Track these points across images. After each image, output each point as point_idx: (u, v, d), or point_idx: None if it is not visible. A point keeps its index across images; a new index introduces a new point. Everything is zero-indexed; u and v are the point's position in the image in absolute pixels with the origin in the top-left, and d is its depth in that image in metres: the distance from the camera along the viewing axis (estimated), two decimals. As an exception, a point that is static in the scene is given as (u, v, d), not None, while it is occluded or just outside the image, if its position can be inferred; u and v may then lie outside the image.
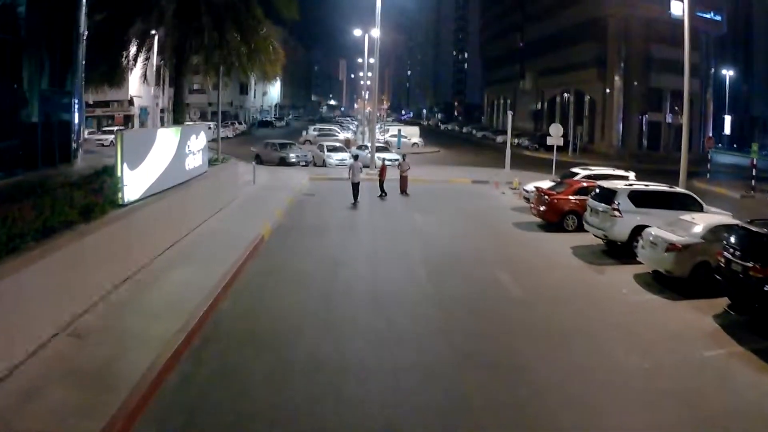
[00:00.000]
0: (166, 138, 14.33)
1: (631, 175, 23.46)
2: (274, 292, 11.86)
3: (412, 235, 18.14)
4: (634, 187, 17.15)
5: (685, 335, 10.51)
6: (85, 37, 16.39)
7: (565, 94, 76.23)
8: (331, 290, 12.17)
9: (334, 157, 36.10)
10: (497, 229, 19.87)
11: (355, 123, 74.08)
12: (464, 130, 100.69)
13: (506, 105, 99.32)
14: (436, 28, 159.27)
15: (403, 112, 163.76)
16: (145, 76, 21.99)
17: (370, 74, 74.21)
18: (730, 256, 11.35)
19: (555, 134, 31.94)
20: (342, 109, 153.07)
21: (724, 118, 67.29)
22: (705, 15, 62.19)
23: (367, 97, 78.59)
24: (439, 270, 14.15)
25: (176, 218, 14.32)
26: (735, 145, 70.01)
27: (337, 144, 41.61)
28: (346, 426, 7.03)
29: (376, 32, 40.53)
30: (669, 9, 59.08)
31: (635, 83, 63.32)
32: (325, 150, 37.11)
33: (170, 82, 20.40)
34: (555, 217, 19.58)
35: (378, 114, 57.83)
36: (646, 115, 64.53)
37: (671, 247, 12.99)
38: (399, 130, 55.21)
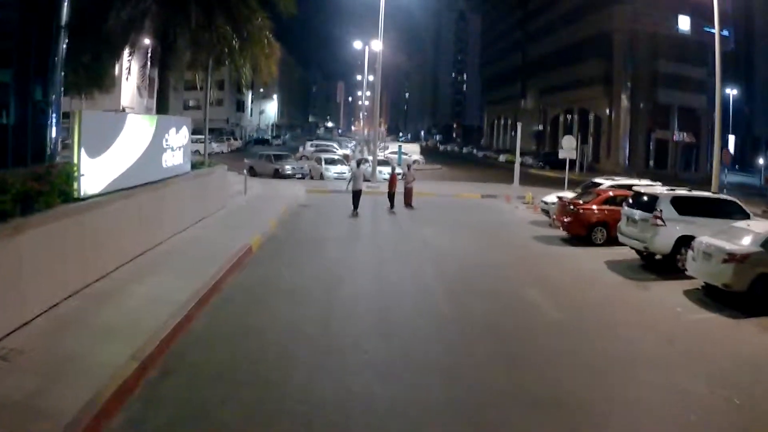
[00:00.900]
0: (138, 126, 12.14)
1: (659, 186, 21.43)
2: (260, 311, 9.64)
3: (423, 248, 15.92)
4: (677, 192, 15.14)
5: (764, 361, 8.55)
6: (65, 36, 14.18)
7: (568, 115, 74.71)
8: (330, 310, 9.90)
9: (333, 170, 34.04)
10: (517, 243, 17.72)
11: (353, 142, 72.30)
12: (464, 150, 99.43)
13: (507, 125, 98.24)
14: (435, 49, 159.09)
15: (401, 134, 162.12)
16: (138, 89, 19.79)
17: (368, 93, 72.95)
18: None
19: (568, 146, 29.91)
20: (339, 130, 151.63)
21: (728, 138, 65.78)
22: (712, 30, 60.82)
23: (364, 118, 77.24)
24: (457, 288, 11.95)
25: (148, 222, 12.12)
26: (737, 166, 68.39)
27: (336, 156, 39.52)
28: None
29: (377, 44, 38.80)
30: (676, 24, 57.81)
31: (642, 100, 61.82)
32: (323, 162, 35.03)
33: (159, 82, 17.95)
34: (582, 230, 17.54)
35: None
36: (653, 133, 62.94)
37: (729, 257, 11.13)
38: (399, 146, 53.44)
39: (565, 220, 18.00)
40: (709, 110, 64.59)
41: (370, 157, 36.77)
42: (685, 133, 63.63)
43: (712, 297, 11.70)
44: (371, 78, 65.44)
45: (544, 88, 79.74)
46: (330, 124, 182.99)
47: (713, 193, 16.90)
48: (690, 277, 12.54)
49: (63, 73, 12.44)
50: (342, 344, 8.29)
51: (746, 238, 11.71)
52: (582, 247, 16.87)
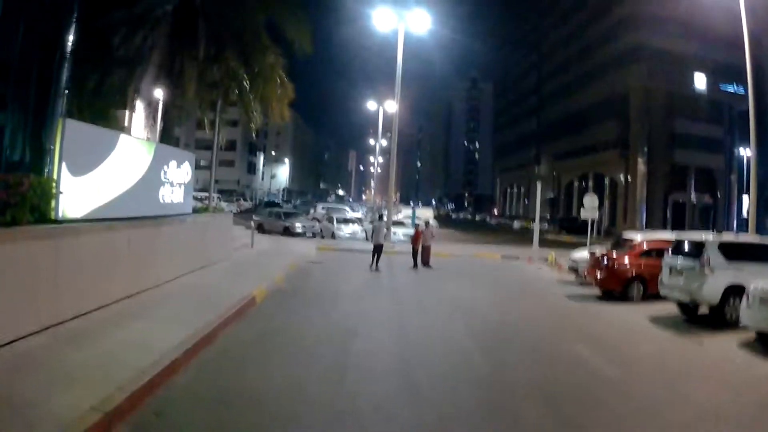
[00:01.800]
0: (133, 149, 10.89)
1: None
2: (260, 367, 8.01)
3: (449, 305, 14.17)
4: (724, 237, 13.71)
5: None
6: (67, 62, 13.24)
7: (583, 180, 73.86)
8: (344, 367, 8.24)
9: (345, 230, 32.78)
10: (549, 299, 16.12)
11: (365, 209, 71.51)
12: (477, 217, 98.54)
13: (520, 192, 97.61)
14: (447, 118, 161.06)
15: (411, 203, 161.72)
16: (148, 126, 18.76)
17: (381, 159, 72.85)
18: None
19: (589, 206, 28.43)
20: (350, 199, 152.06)
21: (743, 199, 64.41)
22: (728, 88, 60.64)
23: (375, 183, 76.96)
24: (491, 344, 10.32)
25: (138, 262, 10.73)
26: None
27: (348, 216, 38.30)
28: None
29: (392, 105, 38.33)
30: (692, 82, 57.68)
31: (658, 162, 60.98)
32: (335, 222, 33.77)
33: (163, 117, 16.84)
34: (617, 285, 16.00)
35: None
36: (671, 196, 61.71)
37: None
38: (413, 209, 52.35)
39: (599, 275, 16.46)
40: (726, 170, 63.73)
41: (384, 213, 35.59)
42: (703, 195, 62.48)
43: None
44: (384, 143, 65.48)
45: (559, 153, 79.23)
46: (341, 192, 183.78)
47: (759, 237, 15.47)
48: (741, 330, 11.31)
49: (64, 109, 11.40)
50: (359, 407, 6.61)
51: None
52: (618, 304, 15.36)
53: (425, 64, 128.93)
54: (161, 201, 12.17)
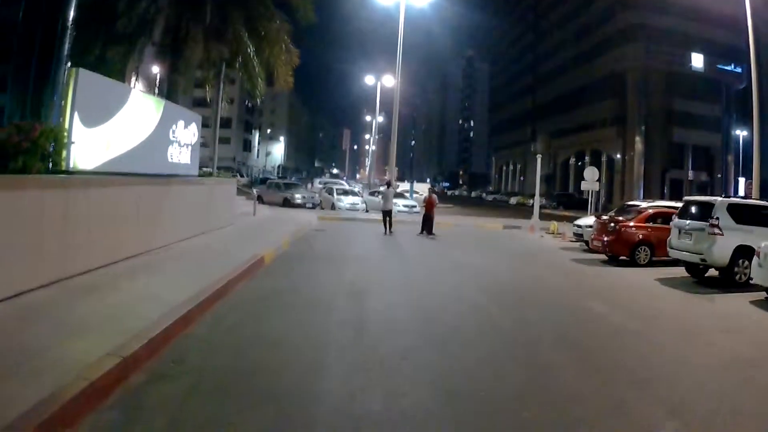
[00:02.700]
0: (143, 105, 10.60)
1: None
2: (276, 320, 7.81)
3: (459, 267, 14.00)
4: (733, 199, 13.76)
5: None
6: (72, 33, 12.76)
7: (579, 157, 73.71)
8: (362, 320, 8.03)
9: (345, 201, 32.48)
10: (558, 264, 16.01)
11: (360, 185, 71.17)
12: (473, 194, 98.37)
13: (516, 170, 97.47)
14: (443, 97, 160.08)
15: (405, 181, 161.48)
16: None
17: (376, 137, 72.29)
18: None
19: (590, 178, 28.40)
20: (345, 177, 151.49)
21: (738, 181, 64.56)
22: (726, 67, 60.42)
23: (371, 161, 76.46)
24: (509, 303, 10.10)
25: (147, 220, 10.50)
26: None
27: (348, 188, 38.02)
28: None
29: (390, 80, 37.85)
30: (689, 61, 57.36)
31: (656, 140, 60.89)
32: (335, 193, 33.47)
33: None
34: (625, 250, 15.94)
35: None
36: (668, 173, 61.70)
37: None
38: (411, 183, 52.29)
39: (606, 239, 16.36)
40: (722, 149, 63.78)
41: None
42: (699, 173, 62.55)
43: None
44: (381, 119, 64.97)
45: (555, 131, 78.91)
46: (335, 171, 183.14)
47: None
48: (751, 290, 11.56)
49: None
50: (385, 357, 6.41)
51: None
52: (626, 267, 15.36)
53: (421, 44, 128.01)
54: (169, 160, 11.90)
